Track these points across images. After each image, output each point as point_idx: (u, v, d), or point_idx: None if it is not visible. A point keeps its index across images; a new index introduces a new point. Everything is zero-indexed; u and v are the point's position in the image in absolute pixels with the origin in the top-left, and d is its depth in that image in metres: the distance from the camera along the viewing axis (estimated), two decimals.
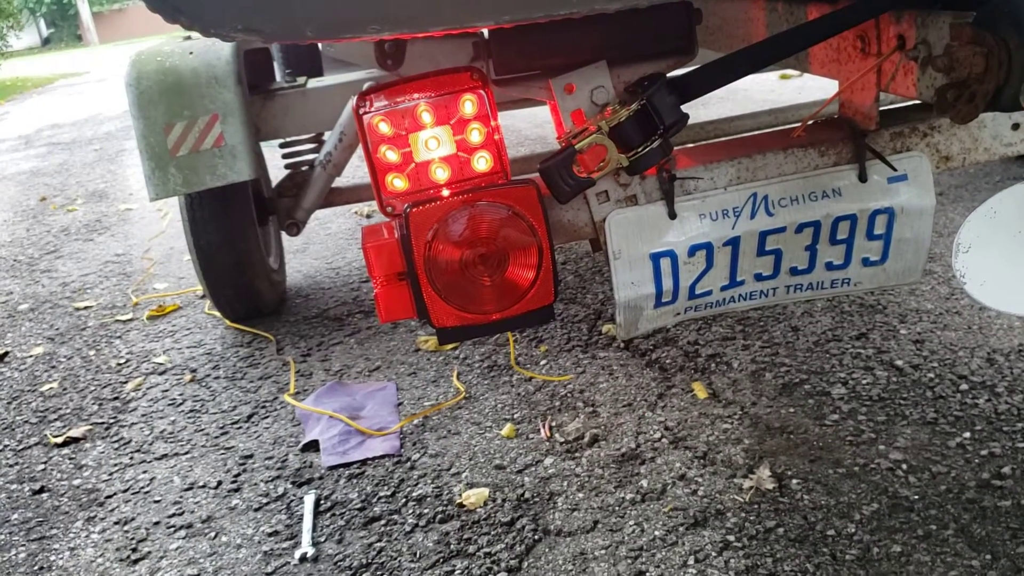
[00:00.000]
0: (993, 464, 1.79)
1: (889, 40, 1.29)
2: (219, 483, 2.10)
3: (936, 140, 1.42)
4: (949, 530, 1.62)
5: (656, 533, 1.72)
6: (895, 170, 1.36)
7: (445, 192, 1.28)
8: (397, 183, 1.28)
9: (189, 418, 2.44)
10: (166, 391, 2.63)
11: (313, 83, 2.74)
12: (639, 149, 1.25)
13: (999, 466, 1.78)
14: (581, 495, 1.86)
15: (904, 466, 1.81)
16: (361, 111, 1.26)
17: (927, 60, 1.20)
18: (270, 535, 1.88)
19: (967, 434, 1.89)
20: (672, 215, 1.35)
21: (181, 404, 2.53)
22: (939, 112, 1.13)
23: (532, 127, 5.81)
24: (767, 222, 1.37)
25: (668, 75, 1.31)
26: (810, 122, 1.43)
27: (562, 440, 2.07)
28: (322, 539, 1.84)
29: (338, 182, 2.82)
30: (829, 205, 1.37)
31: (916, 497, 1.72)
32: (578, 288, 3.00)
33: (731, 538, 1.67)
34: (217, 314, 3.12)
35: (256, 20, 0.93)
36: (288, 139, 2.88)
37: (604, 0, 1.02)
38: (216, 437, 2.32)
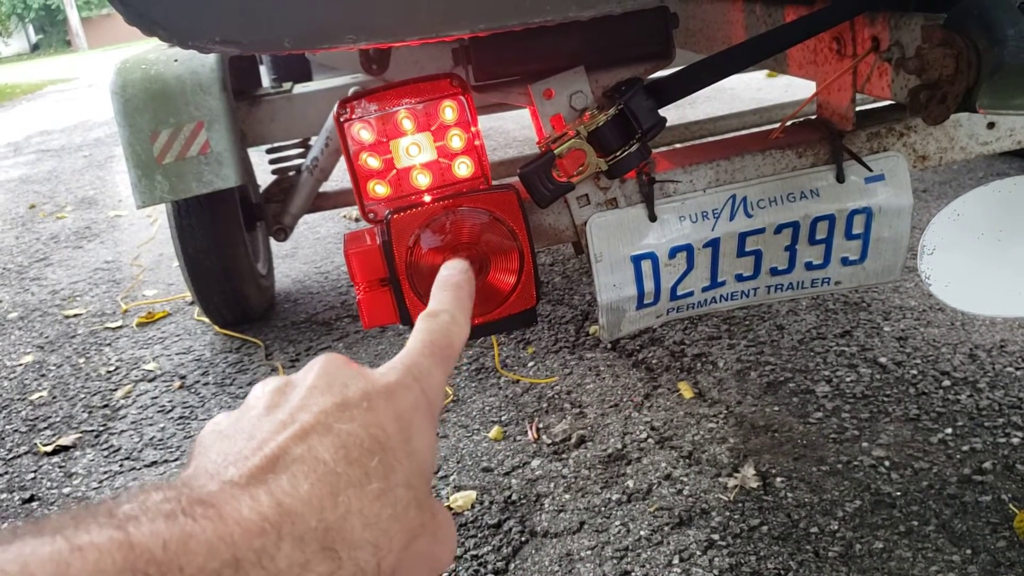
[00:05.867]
0: (974, 459, 1.80)
1: (864, 42, 1.30)
2: None
3: (912, 140, 1.43)
4: (930, 526, 1.64)
5: (642, 533, 1.73)
6: (871, 171, 1.38)
7: (427, 198, 1.29)
8: (379, 189, 1.29)
9: (179, 425, 2.45)
10: (155, 398, 2.63)
11: (299, 88, 2.74)
12: (618, 153, 1.26)
13: (980, 461, 1.79)
14: (568, 496, 1.88)
15: (887, 463, 1.83)
16: (342, 119, 1.26)
17: (900, 62, 1.21)
18: None
19: (949, 430, 1.91)
20: (652, 218, 1.36)
21: (171, 411, 2.54)
22: (912, 113, 1.14)
23: (520, 128, 5.82)
24: (746, 223, 1.39)
25: (648, 78, 1.32)
26: (788, 123, 1.44)
27: (549, 442, 2.08)
28: None
29: (325, 186, 2.83)
30: (807, 206, 1.38)
31: (898, 493, 1.73)
32: (566, 289, 3.01)
33: (716, 537, 1.69)
34: (206, 320, 3.12)
35: (233, 32, 0.93)
36: (275, 144, 2.88)
37: (578, 7, 1.03)
38: None
